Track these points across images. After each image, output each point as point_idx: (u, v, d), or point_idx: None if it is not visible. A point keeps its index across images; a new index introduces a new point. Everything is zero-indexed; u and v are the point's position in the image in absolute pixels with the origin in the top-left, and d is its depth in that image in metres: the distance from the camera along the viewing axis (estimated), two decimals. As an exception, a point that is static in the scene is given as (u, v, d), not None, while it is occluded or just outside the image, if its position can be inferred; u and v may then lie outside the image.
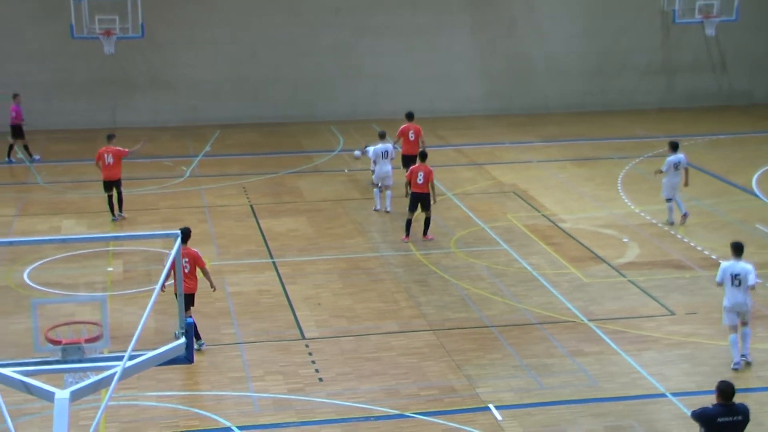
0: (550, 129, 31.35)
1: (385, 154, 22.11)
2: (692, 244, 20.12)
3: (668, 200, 21.25)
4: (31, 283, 17.87)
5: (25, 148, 27.07)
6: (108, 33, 28.80)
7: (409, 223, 20.26)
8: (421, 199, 20.08)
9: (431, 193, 20.14)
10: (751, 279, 14.16)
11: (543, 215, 22.15)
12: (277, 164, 26.90)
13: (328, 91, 32.52)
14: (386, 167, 22.02)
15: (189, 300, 14.77)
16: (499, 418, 13.14)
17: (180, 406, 13.46)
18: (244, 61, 31.97)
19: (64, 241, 9.60)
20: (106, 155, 21.37)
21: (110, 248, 19.58)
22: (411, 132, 23.08)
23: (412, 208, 20.24)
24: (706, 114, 33.52)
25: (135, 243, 19.82)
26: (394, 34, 32.58)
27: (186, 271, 14.70)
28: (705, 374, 14.33)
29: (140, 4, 29.27)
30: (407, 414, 13.28)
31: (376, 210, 22.40)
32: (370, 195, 23.55)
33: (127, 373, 8.36)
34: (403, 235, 20.29)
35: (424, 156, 20.53)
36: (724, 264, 14.50)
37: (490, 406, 13.46)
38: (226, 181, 25.15)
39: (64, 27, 29.31)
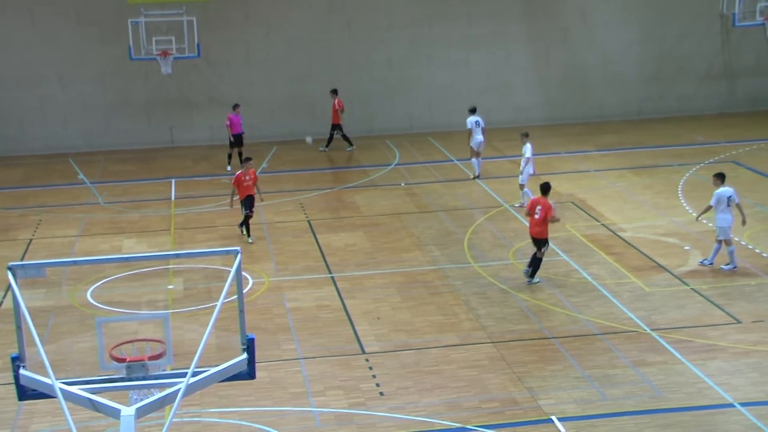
0: (607, 138, 31.04)
1: (477, 124, 26.08)
2: (757, 251, 19.76)
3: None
4: (94, 302, 18.12)
5: (229, 157, 28.28)
6: (165, 54, 29.18)
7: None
8: None
9: None
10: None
11: (602, 225, 21.92)
12: (333, 179, 27.01)
13: (384, 105, 32.59)
14: (479, 136, 26.08)
15: (538, 244, 18.20)
16: (563, 430, 13.00)
17: (242, 422, 13.52)
18: (299, 77, 32.18)
19: (126, 260, 9.76)
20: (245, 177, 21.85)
21: (170, 266, 19.79)
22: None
23: None
24: None
25: (195, 261, 20.02)
26: (449, 46, 32.56)
27: (536, 217, 18.11)
28: (774, 383, 14.06)
29: (196, 25, 29.64)
30: (469, 427, 13.19)
31: (475, 178, 26.03)
32: (427, 209, 23.54)
33: (190, 389, 8.42)
34: None
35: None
36: (718, 190, 18.43)
37: (553, 418, 13.32)
38: (283, 197, 25.30)
39: (123, 49, 29.78)
